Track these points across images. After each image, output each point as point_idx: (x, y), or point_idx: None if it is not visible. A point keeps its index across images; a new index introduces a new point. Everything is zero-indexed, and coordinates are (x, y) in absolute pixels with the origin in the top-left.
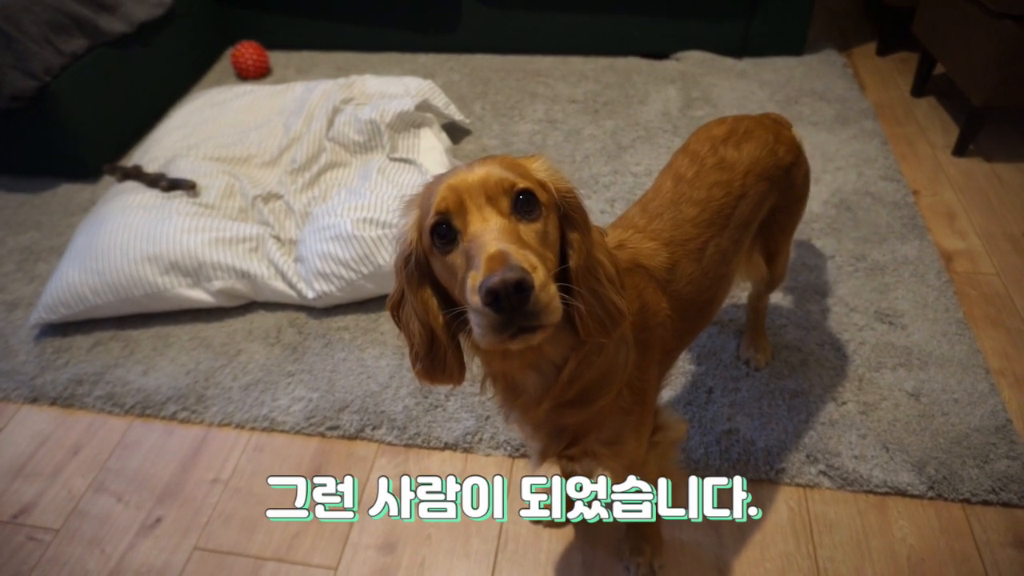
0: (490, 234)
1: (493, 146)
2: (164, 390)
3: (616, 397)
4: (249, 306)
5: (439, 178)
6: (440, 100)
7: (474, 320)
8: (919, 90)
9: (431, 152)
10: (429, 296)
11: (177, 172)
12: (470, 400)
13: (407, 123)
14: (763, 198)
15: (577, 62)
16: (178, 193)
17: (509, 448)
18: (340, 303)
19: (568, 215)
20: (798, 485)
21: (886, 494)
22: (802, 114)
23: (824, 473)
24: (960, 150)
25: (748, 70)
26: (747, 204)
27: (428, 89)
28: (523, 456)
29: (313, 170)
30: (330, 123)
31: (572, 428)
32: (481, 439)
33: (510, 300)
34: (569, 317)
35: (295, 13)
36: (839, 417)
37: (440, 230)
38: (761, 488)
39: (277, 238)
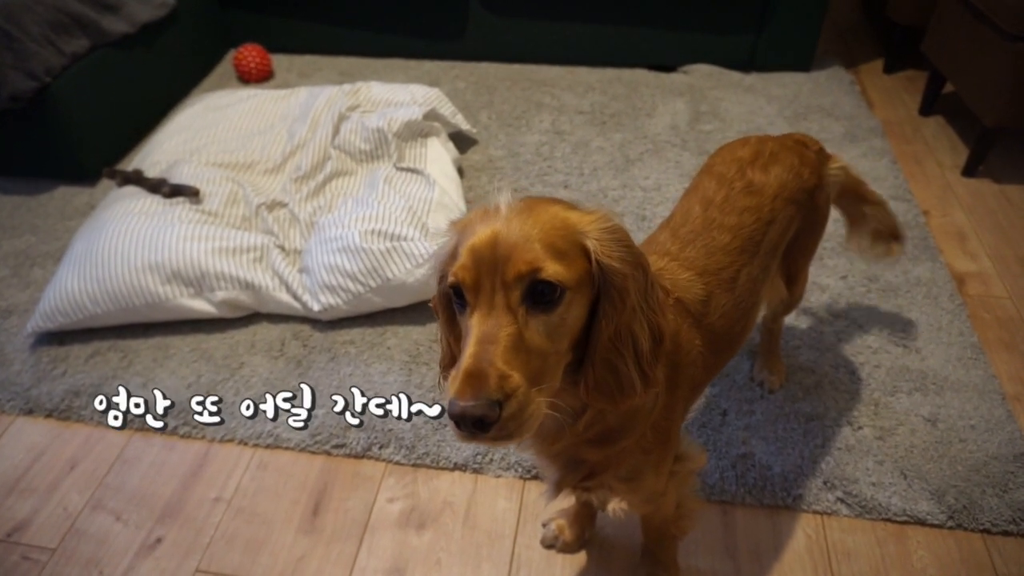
0: (481, 338)
1: (500, 156)
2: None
3: (639, 438)
4: (252, 317)
5: (478, 218)
6: (447, 109)
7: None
8: (927, 109)
9: (438, 162)
10: (452, 319)
11: (179, 177)
12: None
13: (414, 132)
14: (790, 222)
15: (583, 72)
16: (180, 200)
17: (520, 469)
18: (346, 316)
19: (606, 290)
20: (815, 512)
21: (905, 523)
22: (810, 130)
23: (842, 500)
24: (970, 171)
25: (756, 85)
26: (776, 229)
27: (435, 97)
28: (535, 478)
29: (318, 178)
30: (336, 130)
31: (589, 463)
32: (492, 460)
33: (469, 428)
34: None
35: (299, 16)
36: (855, 442)
37: (456, 291)
38: (779, 515)
39: (282, 248)
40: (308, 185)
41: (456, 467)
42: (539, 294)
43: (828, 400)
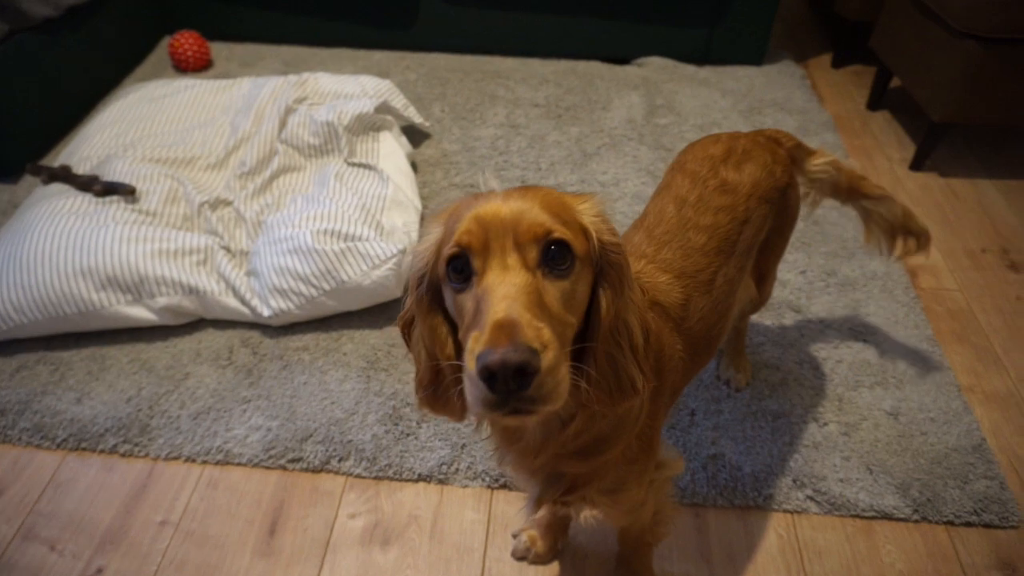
0: (505, 292)
1: (454, 151)
2: (102, 420)
3: (624, 448)
4: (196, 324)
5: (470, 201)
6: (399, 101)
7: (467, 385)
8: (875, 104)
9: (391, 157)
10: (439, 323)
11: (112, 174)
12: (444, 428)
13: (366, 126)
14: (764, 221)
15: (537, 64)
16: (114, 199)
17: (488, 479)
18: (298, 321)
19: (605, 271)
20: (786, 511)
21: (872, 518)
22: (764, 125)
23: (811, 498)
24: (917, 165)
25: (710, 78)
26: (750, 229)
27: (386, 89)
28: (503, 487)
29: (265, 174)
30: (282, 124)
31: (571, 476)
32: (457, 469)
33: (507, 383)
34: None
35: (239, 2)
36: (822, 439)
37: (457, 264)
38: (751, 516)
39: (227, 249)
40: (254, 182)
41: (420, 478)
42: (553, 257)
43: (794, 397)
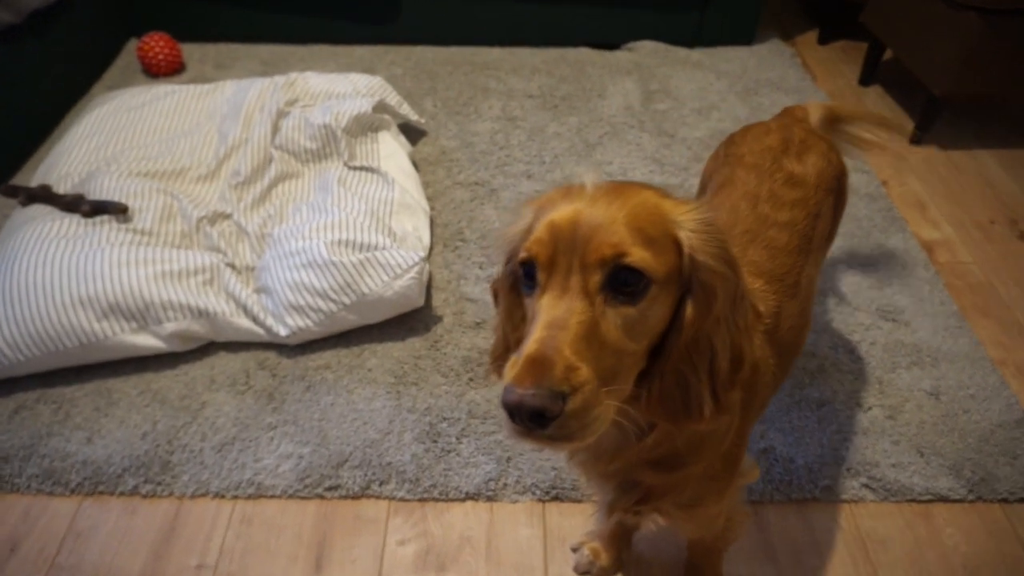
0: (551, 320)
1: (453, 147)
2: (117, 459)
3: (707, 465)
4: (207, 348)
5: (557, 197)
6: (393, 99)
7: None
8: (867, 79)
9: (393, 158)
10: (516, 305)
11: (99, 192)
12: (487, 442)
13: (364, 127)
14: (829, 212)
15: (526, 54)
16: (104, 219)
17: (539, 491)
18: (316, 338)
19: (694, 289)
20: (844, 501)
21: (929, 501)
22: (762, 105)
23: (867, 486)
24: (917, 139)
25: (703, 61)
26: (822, 222)
27: (379, 87)
28: (556, 499)
29: (262, 184)
30: (275, 128)
31: (646, 486)
32: (505, 484)
33: (524, 423)
34: None
35: (212, 0)
36: (868, 424)
37: (527, 268)
38: (809, 509)
39: (232, 266)
40: (251, 192)
41: (468, 496)
42: (622, 282)
43: (834, 383)
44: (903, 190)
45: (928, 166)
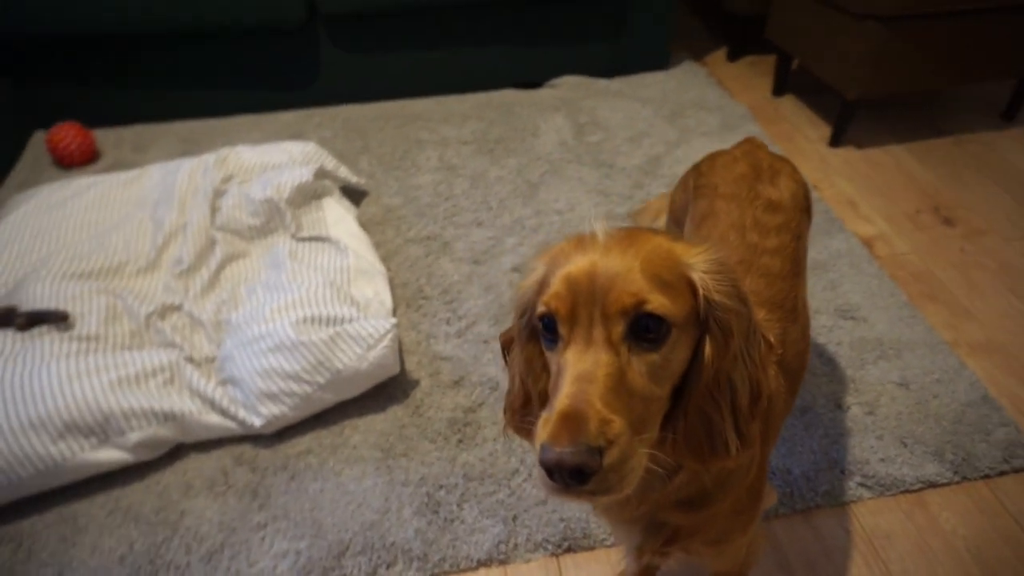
0: (579, 373)
1: (397, 204)
2: None
3: (733, 501)
4: (175, 452)
5: (570, 248)
6: (330, 163)
7: (536, 460)
8: (780, 90)
9: (341, 223)
10: (536, 356)
11: (32, 301)
12: (487, 503)
13: (307, 195)
14: (806, 231)
15: (452, 101)
16: (44, 329)
17: (551, 546)
18: (292, 423)
19: (711, 327)
20: (844, 503)
21: (921, 489)
22: (690, 126)
23: (863, 484)
24: (835, 141)
25: (624, 89)
26: (803, 243)
27: (315, 152)
28: (568, 551)
29: (210, 268)
30: (214, 208)
31: (674, 526)
32: (516, 544)
33: (564, 480)
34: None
35: (117, 83)
36: (851, 424)
37: (546, 322)
38: (814, 517)
39: (191, 360)
40: (198, 278)
41: (480, 564)
42: (643, 330)
43: (812, 388)
44: (833, 191)
45: (850, 166)
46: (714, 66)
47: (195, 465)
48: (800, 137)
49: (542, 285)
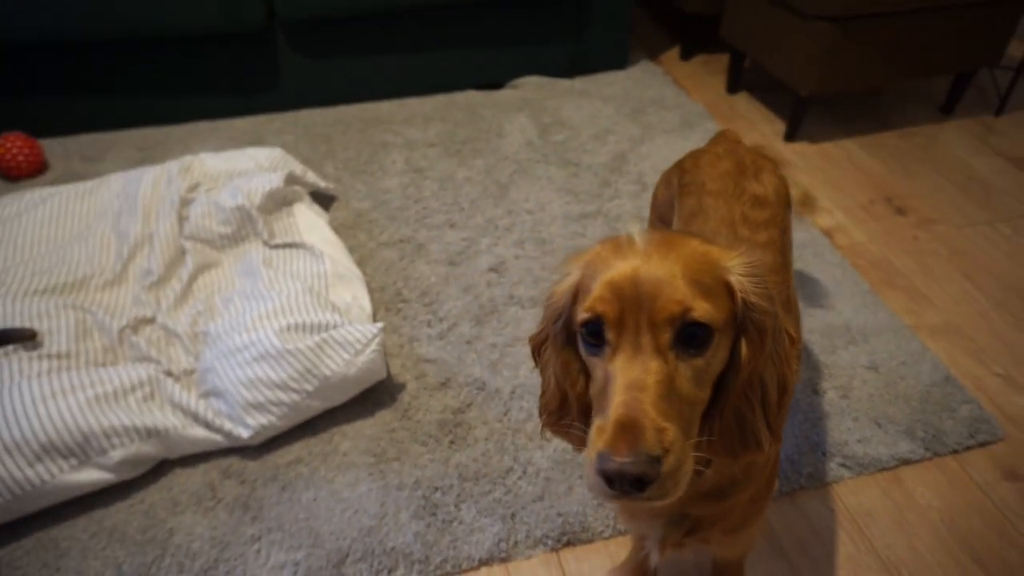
0: (632, 381)
1: (367, 208)
2: None
3: (754, 490)
4: (159, 468)
5: (608, 253)
6: (297, 168)
7: (586, 469)
8: (734, 87)
9: (314, 229)
10: (572, 359)
11: None
12: (484, 502)
13: (278, 202)
14: (789, 224)
15: (415, 103)
16: (11, 349)
17: (550, 541)
18: (279, 433)
19: (747, 328)
20: (827, 484)
21: (896, 467)
22: (651, 123)
23: (843, 465)
24: (790, 136)
25: (586, 88)
26: (788, 237)
27: (281, 158)
28: (568, 544)
29: (182, 278)
30: (181, 218)
31: (696, 517)
32: (516, 541)
33: (623, 488)
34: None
35: (68, 91)
36: (828, 407)
37: (591, 327)
38: (801, 499)
39: (169, 373)
40: (170, 290)
41: (482, 563)
42: (689, 336)
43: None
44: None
45: (805, 160)
46: (669, 65)
47: (180, 481)
48: (756, 133)
49: (579, 290)
